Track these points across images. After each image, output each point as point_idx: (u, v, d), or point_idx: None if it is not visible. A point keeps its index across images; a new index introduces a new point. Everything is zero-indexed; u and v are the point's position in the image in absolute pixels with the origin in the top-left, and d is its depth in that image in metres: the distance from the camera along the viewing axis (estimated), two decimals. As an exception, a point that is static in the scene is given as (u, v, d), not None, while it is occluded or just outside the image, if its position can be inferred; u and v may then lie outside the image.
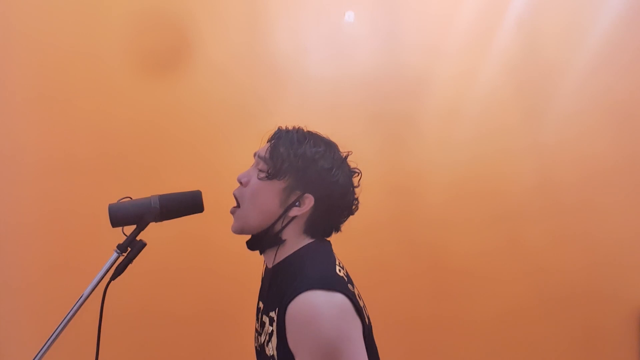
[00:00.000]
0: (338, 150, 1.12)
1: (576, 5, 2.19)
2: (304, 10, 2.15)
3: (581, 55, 2.18)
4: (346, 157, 1.12)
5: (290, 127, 1.12)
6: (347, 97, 2.14)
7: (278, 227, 1.06)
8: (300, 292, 0.93)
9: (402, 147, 2.16)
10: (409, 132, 2.16)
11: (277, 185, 1.06)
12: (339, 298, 0.94)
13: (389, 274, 2.14)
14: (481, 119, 2.17)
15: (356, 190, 1.13)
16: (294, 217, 1.06)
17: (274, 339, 0.99)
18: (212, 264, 2.05)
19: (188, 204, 1.13)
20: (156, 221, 1.11)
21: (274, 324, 1.00)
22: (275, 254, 1.08)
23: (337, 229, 1.14)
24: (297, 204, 1.05)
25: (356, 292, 1.03)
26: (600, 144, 2.19)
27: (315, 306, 0.92)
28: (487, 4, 2.17)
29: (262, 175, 1.06)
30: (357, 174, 1.13)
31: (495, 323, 2.15)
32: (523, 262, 2.17)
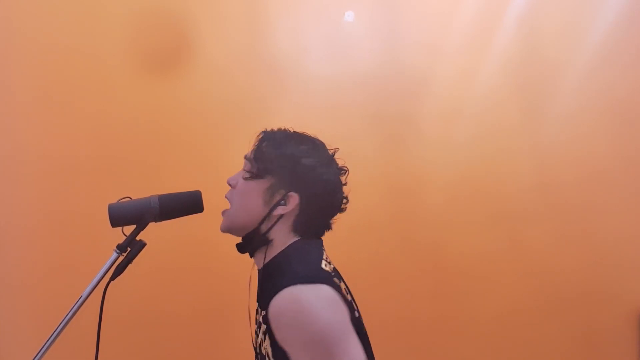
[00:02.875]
0: (325, 149, 1.12)
1: (576, 5, 2.19)
2: (304, 10, 2.16)
3: (581, 55, 2.18)
4: (333, 154, 1.13)
5: (276, 129, 1.13)
6: (346, 97, 2.14)
7: (265, 227, 1.07)
8: (281, 289, 0.93)
9: (402, 146, 2.16)
10: (409, 132, 2.16)
11: (261, 185, 1.07)
12: (324, 289, 0.95)
13: (388, 274, 2.14)
14: (481, 119, 2.17)
15: (347, 188, 1.13)
16: (280, 217, 1.07)
17: (267, 338, 0.99)
18: (211, 264, 2.05)
19: (188, 203, 1.14)
20: (156, 221, 1.11)
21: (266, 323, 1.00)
22: (265, 255, 1.09)
23: (328, 227, 1.14)
24: (281, 202, 1.06)
25: (343, 286, 1.03)
26: (600, 144, 2.18)
27: (300, 299, 0.92)
28: (487, 3, 2.17)
29: (247, 175, 1.09)
30: (345, 172, 1.13)
31: (495, 323, 2.15)
32: (523, 262, 2.17)
